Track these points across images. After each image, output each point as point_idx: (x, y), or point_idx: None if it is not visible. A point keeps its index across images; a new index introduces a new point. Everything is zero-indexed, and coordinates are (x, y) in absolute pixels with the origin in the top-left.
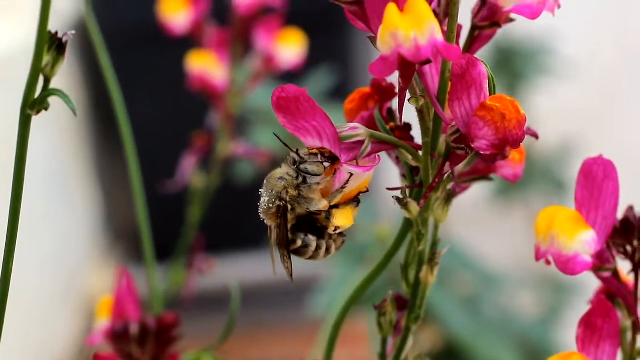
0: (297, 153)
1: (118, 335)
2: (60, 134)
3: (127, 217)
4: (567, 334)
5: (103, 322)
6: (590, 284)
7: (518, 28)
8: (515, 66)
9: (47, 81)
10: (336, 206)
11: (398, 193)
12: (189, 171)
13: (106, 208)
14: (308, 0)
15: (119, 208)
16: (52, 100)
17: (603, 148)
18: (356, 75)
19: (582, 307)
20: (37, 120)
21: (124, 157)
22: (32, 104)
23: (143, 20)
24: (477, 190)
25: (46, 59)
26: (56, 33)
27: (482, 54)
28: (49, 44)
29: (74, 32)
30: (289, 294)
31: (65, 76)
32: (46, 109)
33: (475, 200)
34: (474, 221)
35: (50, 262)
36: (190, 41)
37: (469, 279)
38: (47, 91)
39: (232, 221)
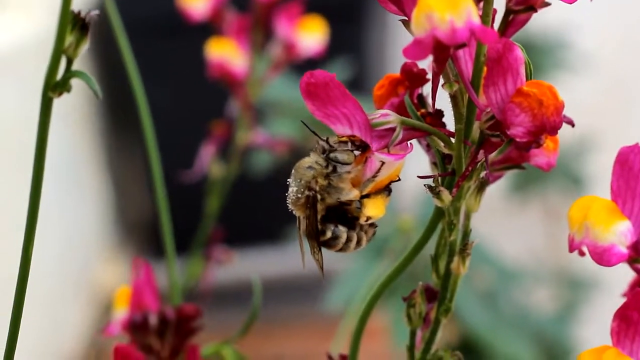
0: (326, 141)
1: (137, 326)
2: (73, 126)
3: (140, 210)
4: (584, 329)
5: (121, 312)
6: (607, 279)
7: (535, 22)
8: (532, 60)
9: (69, 62)
10: (367, 196)
11: (429, 182)
12: (208, 160)
13: (119, 201)
14: None
15: (131, 201)
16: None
17: (620, 144)
18: (373, 66)
19: (598, 303)
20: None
21: (137, 149)
22: (54, 86)
23: (162, 9)
24: (494, 186)
25: (69, 39)
26: (79, 12)
27: None
28: (72, 24)
29: (97, 11)
30: (304, 288)
31: (80, 67)
32: (68, 91)
33: (492, 196)
34: (491, 216)
35: (62, 255)
36: (209, 29)
37: (486, 274)
38: (69, 73)
39: (248, 215)
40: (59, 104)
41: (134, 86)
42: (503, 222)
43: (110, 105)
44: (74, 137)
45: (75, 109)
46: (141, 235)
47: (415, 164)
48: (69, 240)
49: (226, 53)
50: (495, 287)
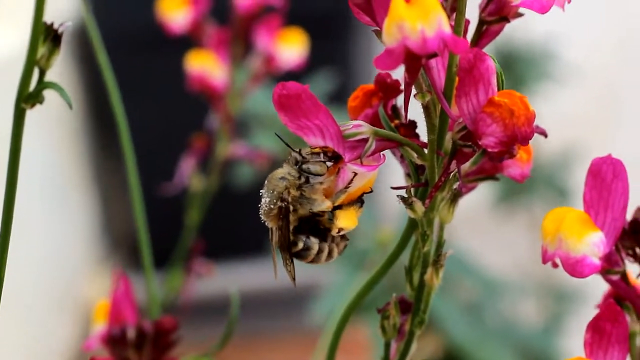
0: (299, 152)
1: (115, 340)
2: (57, 139)
3: (125, 223)
4: (570, 342)
5: (100, 326)
6: (593, 291)
7: (519, 33)
8: (516, 72)
9: (42, 74)
10: (339, 207)
11: (402, 192)
12: (188, 173)
13: (104, 214)
14: (309, 4)
15: (117, 214)
16: (50, 104)
17: (605, 154)
18: (357, 79)
19: (584, 315)
20: (34, 125)
21: (121, 162)
22: (27, 98)
23: (142, 23)
24: (479, 198)
25: (41, 50)
26: (52, 24)
27: None
28: (45, 35)
29: (70, 23)
30: (288, 301)
31: (64, 79)
32: (41, 103)
33: (477, 207)
34: (476, 228)
35: (47, 269)
36: (190, 42)
37: (471, 285)
38: (42, 84)
39: (230, 228)
40: (44, 118)
41: (112, 99)
42: (488, 233)
43: (94, 119)
44: (58, 151)
45: (60, 123)
46: (126, 248)
47: (396, 176)
48: (54, 254)
49: (206, 66)
50: (480, 299)
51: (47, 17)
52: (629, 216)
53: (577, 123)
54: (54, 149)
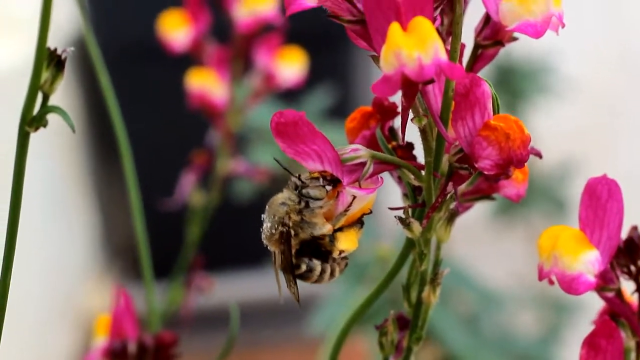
0: (298, 178)
1: (116, 354)
2: (58, 152)
3: (125, 234)
4: (568, 353)
5: (101, 340)
6: (591, 304)
7: (518, 47)
8: (515, 85)
9: (45, 98)
10: (340, 229)
11: (400, 213)
12: (189, 189)
13: (104, 226)
14: (309, 19)
15: (117, 226)
16: (51, 118)
17: (604, 168)
18: (357, 93)
19: (582, 327)
20: (35, 139)
21: (123, 175)
22: (31, 121)
23: (143, 39)
24: (478, 210)
25: (45, 75)
26: (55, 49)
27: (482, 72)
28: (48, 61)
29: (72, 48)
30: (288, 313)
31: (64, 94)
32: (44, 126)
33: (475, 220)
34: (475, 240)
35: (47, 280)
36: (190, 59)
37: (469, 297)
38: (45, 108)
39: (231, 239)
40: (46, 133)
41: (112, 115)
42: (487, 245)
43: (95, 132)
44: (59, 164)
45: (61, 136)
46: (126, 260)
47: (396, 193)
48: (55, 265)
49: (206, 83)
50: (478, 310)
51: (50, 30)
52: (624, 234)
53: (575, 136)
54: (55, 161)
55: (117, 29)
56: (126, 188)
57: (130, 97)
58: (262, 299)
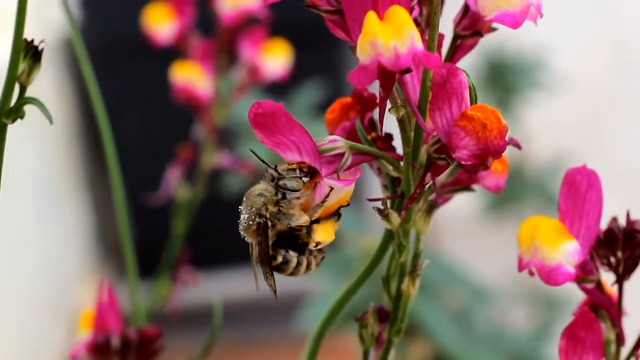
0: (275, 169)
1: (99, 348)
2: (50, 149)
3: (118, 231)
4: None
5: (85, 335)
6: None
7: (510, 42)
8: (507, 81)
9: (22, 89)
10: (317, 221)
11: (379, 204)
12: (174, 183)
13: (97, 222)
14: (297, 14)
15: (110, 222)
16: (40, 114)
17: (595, 162)
18: (346, 88)
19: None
20: (27, 135)
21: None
22: (8, 112)
23: (129, 34)
24: (469, 205)
25: (22, 66)
26: (32, 40)
27: (474, 67)
28: (25, 52)
29: (48, 39)
30: (276, 309)
31: (55, 90)
32: (22, 118)
33: (466, 215)
34: (466, 235)
35: (40, 277)
36: (175, 52)
37: (460, 293)
38: (22, 99)
39: (218, 236)
40: (38, 128)
41: (96, 111)
42: (479, 241)
43: (88, 128)
44: (53, 160)
45: (54, 133)
46: (120, 256)
47: (378, 185)
48: (48, 261)
49: (191, 77)
50: (469, 306)
51: (36, 30)
52: (603, 225)
53: (567, 131)
54: (47, 158)
55: (104, 25)
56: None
57: (117, 93)
58: (251, 297)
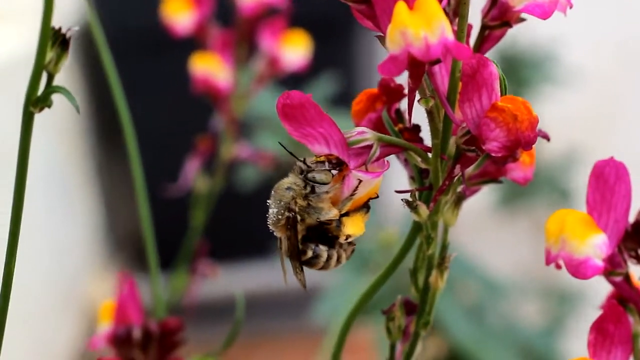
0: (304, 162)
1: (120, 340)
2: (61, 141)
3: (129, 224)
4: (571, 344)
5: (105, 326)
6: (595, 294)
7: (523, 36)
8: (520, 74)
9: (50, 78)
10: (346, 214)
11: (407, 196)
12: (193, 175)
13: (108, 215)
14: (312, 7)
15: (120, 215)
16: (55, 106)
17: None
18: (360, 81)
19: (586, 317)
20: (39, 126)
21: (126, 163)
22: (35, 102)
23: (147, 25)
24: (482, 200)
25: (49, 55)
26: (60, 29)
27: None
28: (53, 40)
29: (77, 27)
30: (292, 302)
31: (68, 82)
32: (49, 107)
33: (479, 209)
34: (478, 230)
35: (51, 270)
36: (193, 45)
37: (473, 287)
38: (50, 88)
39: (235, 230)
40: (49, 120)
41: (117, 101)
42: (491, 236)
43: (99, 120)
44: (63, 152)
45: (65, 125)
46: (130, 249)
47: (399, 178)
48: (59, 254)
49: (210, 68)
50: (482, 300)
51: (53, 18)
52: (631, 218)
53: (579, 125)
54: (58, 150)
55: (120, 15)
56: (130, 176)
57: (134, 84)
58: (266, 290)
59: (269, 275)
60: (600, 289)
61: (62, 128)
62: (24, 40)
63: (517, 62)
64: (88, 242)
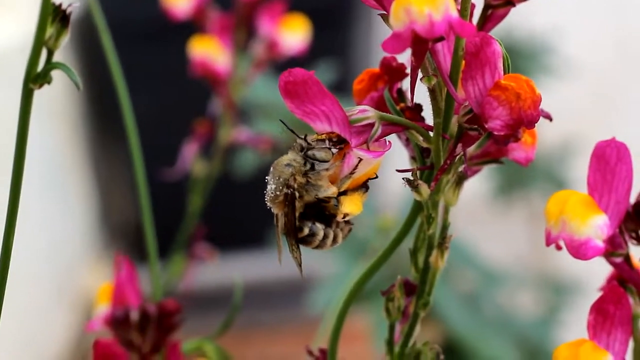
0: (304, 139)
1: (118, 322)
2: (57, 127)
3: (124, 214)
4: (567, 333)
5: (103, 308)
6: (590, 283)
7: (520, 27)
8: (515, 65)
9: (50, 54)
10: (344, 193)
11: (408, 175)
12: (191, 158)
13: (103, 205)
14: None
15: (116, 205)
16: (50, 91)
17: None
18: (358, 69)
19: (581, 307)
20: (35, 114)
21: (121, 151)
22: (35, 78)
23: (146, 10)
24: (479, 189)
25: (50, 31)
26: (60, 5)
27: None
28: (53, 16)
29: (78, 3)
30: (287, 292)
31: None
32: (49, 83)
33: (476, 199)
34: (475, 220)
35: (47, 258)
36: (192, 29)
37: (470, 276)
38: (50, 64)
39: (232, 219)
40: (44, 106)
41: (118, 87)
42: (487, 225)
43: (95, 108)
44: (58, 140)
45: (61, 113)
46: (126, 238)
47: (395, 164)
48: (54, 243)
49: (209, 51)
50: (478, 290)
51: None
52: (632, 199)
53: (575, 117)
54: (54, 137)
55: (120, 4)
56: (125, 165)
57: (132, 68)
58: (261, 279)
59: (264, 265)
60: (596, 278)
61: (56, 115)
62: (21, 29)
63: (513, 52)
64: (83, 230)
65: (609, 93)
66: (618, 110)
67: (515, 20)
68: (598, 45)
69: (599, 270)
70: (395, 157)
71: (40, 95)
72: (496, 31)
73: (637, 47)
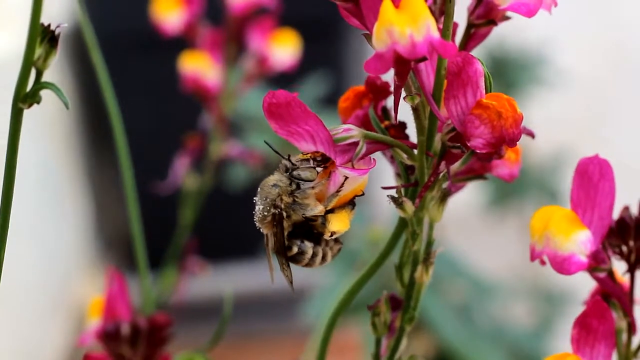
0: (288, 159)
1: (109, 335)
2: (50, 141)
3: (118, 224)
4: (560, 344)
5: (94, 322)
6: (583, 294)
7: (512, 38)
8: (508, 76)
9: (39, 74)
10: (332, 211)
11: (393, 192)
12: (182, 173)
13: (97, 215)
14: (301, 7)
15: (110, 215)
16: (44, 105)
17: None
18: (349, 81)
19: (574, 317)
20: (28, 128)
21: (115, 163)
22: (24, 97)
23: (137, 24)
24: (471, 200)
25: (38, 51)
26: (49, 25)
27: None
28: (42, 37)
29: (66, 24)
30: (280, 303)
31: (57, 82)
32: (38, 103)
33: (468, 210)
34: (468, 230)
35: (40, 270)
36: (184, 43)
37: (462, 287)
38: (39, 84)
39: (223, 230)
40: (38, 120)
41: (107, 99)
42: (480, 236)
43: (88, 120)
44: (52, 152)
45: (54, 125)
46: (120, 249)
47: (387, 176)
48: (48, 254)
49: (200, 66)
50: (471, 301)
51: (43, 19)
52: (615, 215)
53: (568, 127)
54: (47, 149)
55: (110, 15)
56: (119, 176)
57: (123, 83)
58: (254, 291)
59: (256, 276)
60: (589, 289)
61: (50, 127)
62: (13, 42)
63: (506, 63)
64: (77, 242)
65: (602, 104)
66: (611, 121)
67: (508, 31)
68: (591, 56)
69: (593, 282)
70: (387, 170)
71: (33, 108)
72: (489, 42)
73: (630, 58)
